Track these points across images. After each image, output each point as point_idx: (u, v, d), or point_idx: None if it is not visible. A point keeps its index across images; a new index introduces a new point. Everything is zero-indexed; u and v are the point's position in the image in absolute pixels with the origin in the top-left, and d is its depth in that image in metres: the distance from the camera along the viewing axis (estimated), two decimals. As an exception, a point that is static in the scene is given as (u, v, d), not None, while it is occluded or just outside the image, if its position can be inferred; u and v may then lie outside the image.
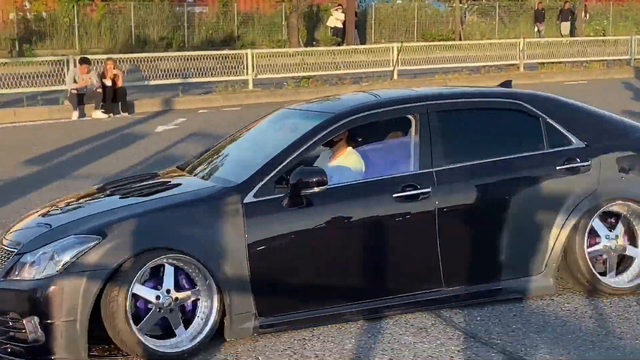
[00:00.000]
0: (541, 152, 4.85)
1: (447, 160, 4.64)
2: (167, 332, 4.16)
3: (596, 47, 22.58)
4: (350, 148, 4.84)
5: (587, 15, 30.55)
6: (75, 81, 14.60)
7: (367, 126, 4.81)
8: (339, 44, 24.14)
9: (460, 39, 26.86)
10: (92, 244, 3.92)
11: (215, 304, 4.14)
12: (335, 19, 26.92)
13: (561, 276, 4.84)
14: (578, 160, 4.82)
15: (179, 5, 30.00)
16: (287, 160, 4.32)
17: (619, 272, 4.76)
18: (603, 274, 4.73)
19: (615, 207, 4.79)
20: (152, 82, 17.25)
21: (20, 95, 15.29)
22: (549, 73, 19.85)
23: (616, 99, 14.54)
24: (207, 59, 18.89)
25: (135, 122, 13.94)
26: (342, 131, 4.65)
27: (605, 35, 26.57)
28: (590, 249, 4.70)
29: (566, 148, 4.88)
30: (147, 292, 4.11)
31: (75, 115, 14.41)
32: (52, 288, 3.88)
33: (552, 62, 20.86)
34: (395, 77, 18.78)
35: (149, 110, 15.63)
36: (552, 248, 4.73)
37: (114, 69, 14.98)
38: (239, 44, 26.44)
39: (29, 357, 3.99)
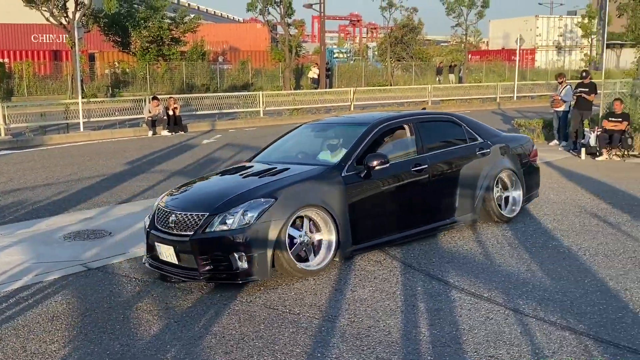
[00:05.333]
0: (467, 144, 7.01)
1: (429, 149, 6.60)
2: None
3: (475, 89, 29.97)
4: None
5: (467, 70, 40.29)
6: (149, 111, 18.93)
7: (387, 129, 6.60)
8: (315, 88, 31.22)
9: (390, 85, 34.86)
10: (270, 203, 5.34)
11: None
12: (313, 72, 35.19)
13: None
14: (484, 149, 7.07)
15: (213, 64, 37.99)
16: (357, 151, 6.11)
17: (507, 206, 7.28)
18: (501, 207, 7.17)
19: (502, 174, 7.18)
20: (199, 112, 22.14)
21: (115, 121, 20.30)
22: (446, 107, 25.78)
23: (488, 120, 18.82)
24: (233, 98, 24.17)
25: (189, 137, 17.92)
26: (380, 133, 6.45)
27: (481, 82, 34.26)
28: (498, 196, 7.13)
29: (476, 142, 7.10)
30: None
31: (150, 133, 18.74)
32: (251, 232, 5.19)
33: (448, 100, 27.67)
34: (352, 109, 25.06)
35: (197, 130, 20.02)
36: (477, 197, 6.88)
37: (174, 103, 19.29)
38: (253, 89, 32.66)
39: (239, 279, 5.26)
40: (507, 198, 7.37)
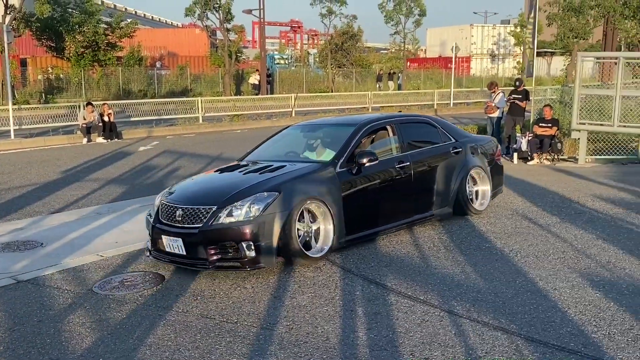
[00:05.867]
0: (441, 144, 7.66)
1: (410, 148, 7.18)
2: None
3: (414, 96, 30.75)
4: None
5: (406, 77, 41.19)
6: (84, 118, 18.62)
7: (373, 129, 7.16)
8: (256, 94, 30.96)
9: (332, 91, 35.10)
10: (275, 196, 5.74)
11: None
12: (254, 78, 34.73)
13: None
14: (457, 148, 7.71)
15: (151, 69, 37.21)
16: (348, 149, 6.59)
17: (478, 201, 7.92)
18: (472, 201, 7.80)
19: (473, 172, 7.79)
20: (135, 119, 21.77)
21: (48, 129, 19.74)
22: (385, 111, 25.43)
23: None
24: (171, 103, 23.69)
25: (125, 144, 17.75)
26: (367, 132, 7.02)
27: (419, 89, 35.33)
28: (470, 191, 7.76)
29: (449, 142, 7.75)
30: None
31: (85, 140, 18.48)
32: (258, 223, 5.57)
33: (388, 106, 28.21)
34: (294, 115, 25.11)
35: (133, 137, 19.85)
36: (451, 192, 7.50)
37: (108, 109, 19.00)
38: (192, 94, 32.43)
39: (247, 267, 5.62)
40: (477, 193, 8.00)
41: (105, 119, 18.95)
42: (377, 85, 39.96)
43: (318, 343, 4.37)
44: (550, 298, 5.11)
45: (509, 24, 65.29)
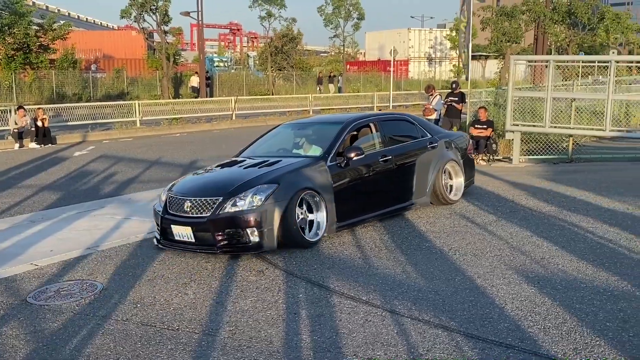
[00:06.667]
0: (419, 139, 8.39)
1: (391, 143, 7.91)
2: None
3: (354, 99, 31.17)
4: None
5: (346, 80, 41.85)
6: (15, 123, 18.18)
7: (358, 127, 7.87)
8: (196, 97, 30.64)
9: (272, 94, 34.99)
10: (274, 188, 6.36)
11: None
12: (195, 81, 34.39)
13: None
14: (434, 143, 8.46)
15: (86, 72, 36.14)
16: (337, 145, 7.26)
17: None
18: (447, 192, 8.50)
19: (448, 165, 8.53)
20: (70, 123, 21.17)
21: None
22: (324, 114, 25.66)
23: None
24: (108, 107, 23.23)
25: (59, 150, 17.31)
26: (353, 130, 7.78)
27: (359, 92, 35.87)
28: (445, 182, 8.44)
29: (426, 138, 8.50)
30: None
31: (16, 146, 17.97)
32: (261, 212, 6.20)
33: (329, 109, 28.33)
34: (234, 118, 24.95)
35: (68, 141, 19.37)
36: (429, 183, 8.25)
37: (43, 114, 18.60)
38: (129, 98, 31.82)
39: (252, 250, 6.24)
40: (452, 184, 8.71)
41: (39, 123, 18.45)
42: (318, 88, 40.09)
43: (261, 347, 4.35)
44: (488, 295, 5.24)
45: (445, 27, 66.77)
